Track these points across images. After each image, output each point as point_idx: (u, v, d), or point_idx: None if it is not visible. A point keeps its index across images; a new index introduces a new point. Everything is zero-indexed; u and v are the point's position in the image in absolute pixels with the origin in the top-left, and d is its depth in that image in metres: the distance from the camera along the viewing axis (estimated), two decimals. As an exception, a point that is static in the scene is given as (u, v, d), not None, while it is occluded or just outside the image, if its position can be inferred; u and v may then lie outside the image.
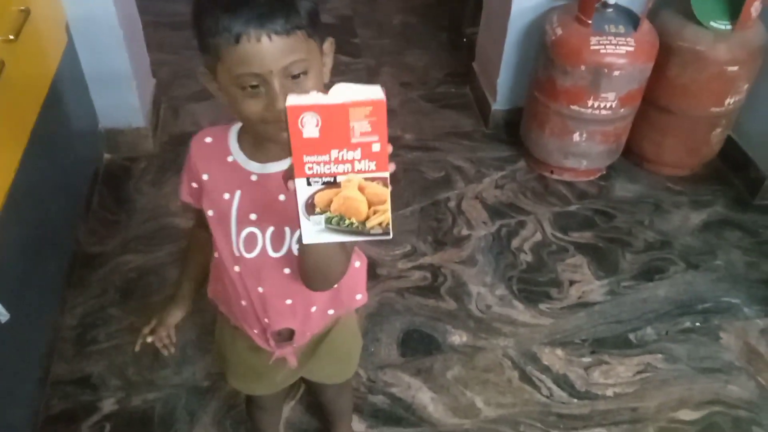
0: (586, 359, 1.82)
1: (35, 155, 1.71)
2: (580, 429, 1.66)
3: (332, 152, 0.68)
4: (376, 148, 0.68)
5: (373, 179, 0.69)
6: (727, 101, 2.18)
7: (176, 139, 2.48)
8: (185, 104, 2.64)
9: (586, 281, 2.03)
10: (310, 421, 1.66)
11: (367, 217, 0.71)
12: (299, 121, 0.66)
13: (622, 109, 2.16)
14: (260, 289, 1.03)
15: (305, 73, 0.82)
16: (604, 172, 2.41)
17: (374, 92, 0.67)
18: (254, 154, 0.95)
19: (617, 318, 1.93)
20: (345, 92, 0.67)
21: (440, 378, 1.76)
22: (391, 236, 0.72)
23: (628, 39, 2.03)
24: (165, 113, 2.62)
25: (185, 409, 1.68)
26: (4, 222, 1.50)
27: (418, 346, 1.84)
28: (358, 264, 1.13)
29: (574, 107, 2.16)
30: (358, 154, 0.68)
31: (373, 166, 0.68)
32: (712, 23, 2.07)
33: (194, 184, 1.01)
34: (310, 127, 0.67)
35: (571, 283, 2.02)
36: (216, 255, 1.03)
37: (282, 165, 0.92)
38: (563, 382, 1.76)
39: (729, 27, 2.06)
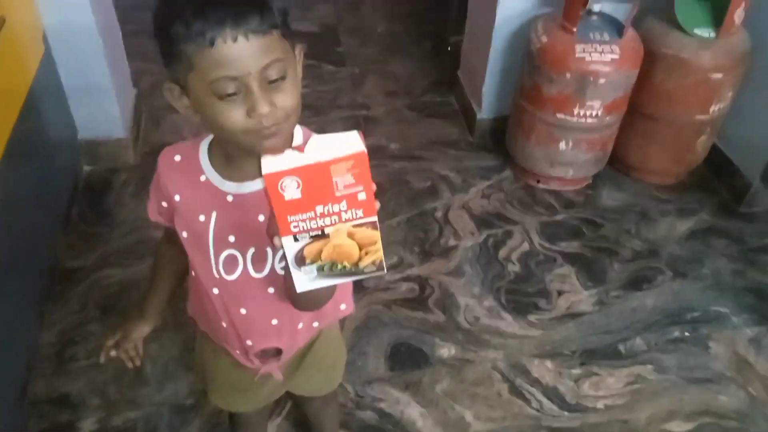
0: (576, 371, 1.80)
1: (11, 167, 1.66)
2: (570, 442, 1.64)
3: (317, 208, 0.66)
4: (361, 197, 0.66)
5: (361, 225, 0.68)
6: (712, 108, 2.18)
7: (158, 150, 2.30)
8: (167, 114, 2.60)
9: (574, 291, 2.02)
10: (297, 439, 1.63)
11: (360, 259, 0.70)
12: (279, 185, 0.64)
13: (608, 117, 2.15)
14: (243, 311, 0.99)
15: (283, 78, 0.77)
16: (591, 181, 2.41)
17: (353, 143, 0.65)
18: (228, 172, 0.90)
19: (606, 328, 1.91)
20: (322, 147, 0.65)
21: (429, 392, 1.73)
22: (386, 271, 0.71)
23: (613, 46, 2.03)
24: (146, 124, 2.58)
25: (168, 428, 1.63)
26: (-22, 238, 1.46)
27: (406, 359, 1.81)
28: None
29: (560, 115, 2.15)
30: (344, 205, 0.66)
31: (360, 213, 0.67)
32: (695, 30, 2.07)
33: (164, 203, 0.97)
34: (291, 190, 0.65)
35: (560, 293, 2.01)
36: (193, 274, 0.99)
37: (257, 185, 0.88)
38: (553, 394, 1.74)
39: (713, 34, 2.06)
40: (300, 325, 1.06)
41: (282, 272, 0.94)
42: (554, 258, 2.12)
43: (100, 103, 2.24)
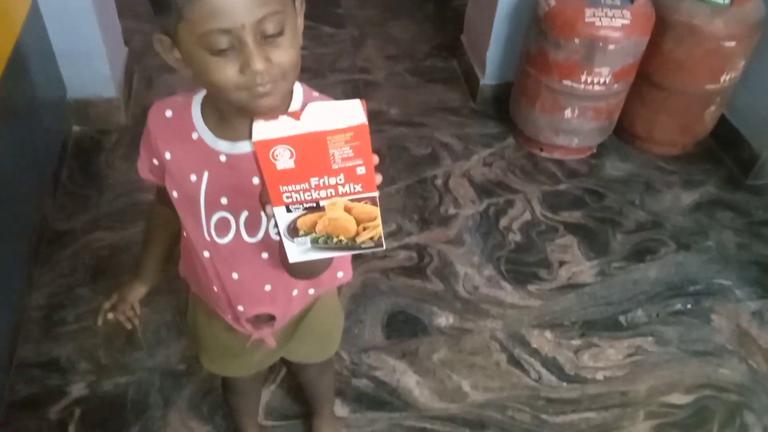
0: (576, 342, 1.77)
1: (-4, 125, 1.60)
2: (569, 413, 1.62)
3: (312, 180, 0.61)
4: (360, 171, 0.61)
5: (360, 200, 0.63)
6: (722, 78, 2.12)
7: (150, 111, 2.35)
8: (160, 74, 2.52)
9: (575, 262, 1.98)
10: (291, 406, 1.60)
11: (357, 234, 0.66)
12: (270, 154, 0.59)
13: (616, 85, 2.09)
14: (235, 276, 0.95)
15: (281, 33, 0.71)
16: (595, 151, 2.35)
17: (354, 113, 0.59)
18: (221, 130, 0.84)
19: (607, 300, 1.88)
20: (321, 115, 0.59)
21: (426, 361, 1.70)
22: (384, 248, 0.67)
23: (624, 11, 1.95)
24: (138, 84, 2.50)
25: (159, 394, 1.60)
26: (-39, 196, 1.40)
27: (404, 328, 1.78)
28: None
29: (567, 82, 2.08)
30: (341, 178, 0.61)
31: (359, 188, 0.62)
32: (709, -4, 2.00)
33: (155, 161, 0.91)
34: (283, 159, 0.60)
35: (561, 263, 1.97)
36: (185, 234, 0.95)
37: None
38: (552, 365, 1.71)
39: (727, 1, 1.99)
40: (295, 292, 1.02)
41: (277, 237, 0.89)
42: (556, 228, 2.08)
43: (90, 61, 2.16)
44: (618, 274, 1.95)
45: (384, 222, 0.66)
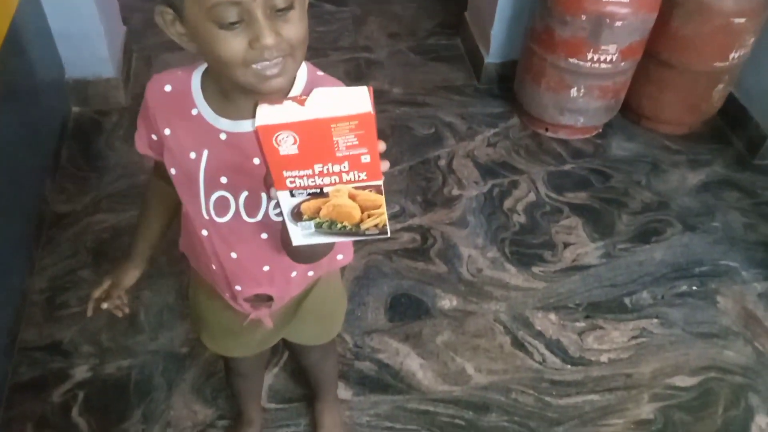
0: (580, 324, 1.76)
1: (-7, 107, 1.58)
2: (573, 395, 1.61)
3: (315, 167, 0.61)
4: (365, 159, 0.60)
5: (364, 188, 0.62)
6: (731, 55, 2.08)
7: (150, 92, 2.32)
8: (159, 54, 2.49)
9: (580, 243, 1.96)
10: (295, 389, 1.59)
11: (361, 221, 0.65)
12: (274, 138, 0.58)
13: (623, 63, 2.05)
14: (233, 255, 0.94)
15: (291, 6, 0.69)
16: (601, 130, 2.32)
17: (360, 100, 0.58)
18: (222, 108, 0.82)
19: (612, 281, 1.86)
20: (326, 101, 0.58)
21: (429, 343, 1.70)
22: (389, 235, 0.66)
23: (632, -13, 1.91)
24: (137, 63, 2.47)
25: (162, 377, 1.60)
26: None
27: (407, 310, 1.77)
28: None
29: (573, 60, 2.04)
30: (345, 166, 0.61)
31: (363, 176, 0.61)
32: (720, -29, 1.95)
33: (153, 136, 0.89)
34: (286, 145, 0.59)
35: (566, 245, 1.95)
36: (184, 210, 0.93)
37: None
38: (556, 347, 1.71)
39: (737, -24, 1.94)
40: (293, 274, 1.01)
41: (277, 219, 0.88)
42: (561, 209, 2.05)
43: (88, 41, 2.13)
44: (623, 255, 1.93)
45: (387, 203, 0.65)
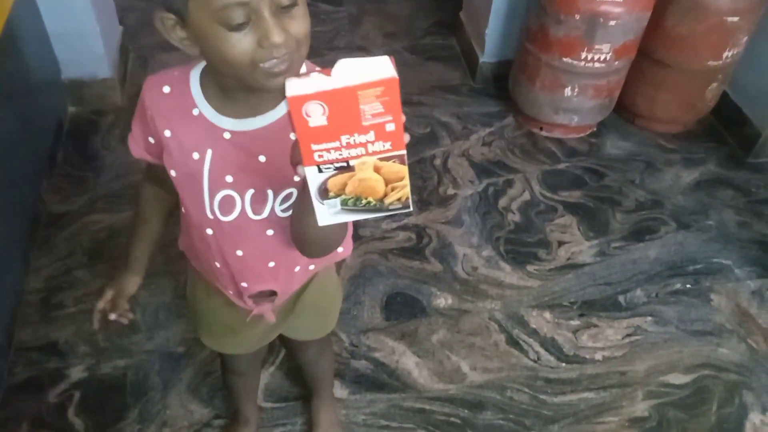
0: (575, 322, 1.77)
1: (-12, 107, 1.58)
2: (568, 393, 1.62)
3: (342, 138, 0.62)
4: (390, 128, 0.61)
5: (388, 158, 0.64)
6: (725, 54, 2.09)
7: (146, 92, 2.32)
8: (155, 54, 2.49)
9: (575, 242, 1.97)
10: (291, 388, 1.60)
11: (385, 195, 0.67)
12: (303, 110, 0.60)
13: (617, 62, 2.06)
14: (239, 253, 0.94)
15: (295, 3, 0.70)
16: (595, 129, 2.33)
17: (383, 68, 0.60)
18: (224, 106, 0.82)
19: (606, 280, 1.87)
20: (350, 71, 0.60)
21: (425, 342, 1.70)
22: (411, 209, 0.68)
23: (626, -14, 1.92)
24: (133, 63, 2.47)
25: (159, 376, 1.60)
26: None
27: (402, 309, 1.77)
28: None
29: (567, 59, 2.05)
30: (371, 136, 0.62)
31: (388, 145, 0.63)
32: (713, -30, 1.96)
33: (151, 139, 0.89)
34: (316, 116, 0.60)
35: (560, 243, 1.96)
36: (183, 210, 0.93)
37: (259, 122, 0.81)
38: (551, 345, 1.71)
39: (731, -25, 1.95)
40: (297, 269, 1.01)
41: (283, 215, 0.88)
42: (555, 208, 2.06)
43: (84, 41, 2.13)
44: (617, 253, 1.94)
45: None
